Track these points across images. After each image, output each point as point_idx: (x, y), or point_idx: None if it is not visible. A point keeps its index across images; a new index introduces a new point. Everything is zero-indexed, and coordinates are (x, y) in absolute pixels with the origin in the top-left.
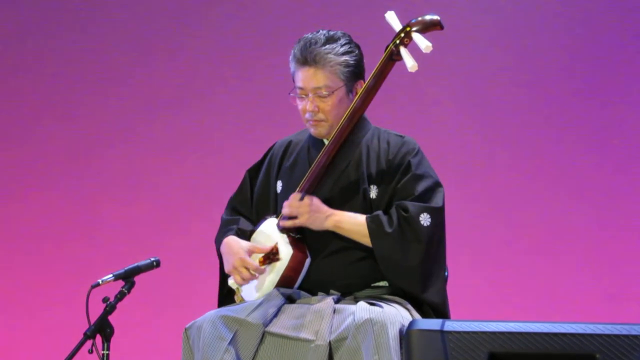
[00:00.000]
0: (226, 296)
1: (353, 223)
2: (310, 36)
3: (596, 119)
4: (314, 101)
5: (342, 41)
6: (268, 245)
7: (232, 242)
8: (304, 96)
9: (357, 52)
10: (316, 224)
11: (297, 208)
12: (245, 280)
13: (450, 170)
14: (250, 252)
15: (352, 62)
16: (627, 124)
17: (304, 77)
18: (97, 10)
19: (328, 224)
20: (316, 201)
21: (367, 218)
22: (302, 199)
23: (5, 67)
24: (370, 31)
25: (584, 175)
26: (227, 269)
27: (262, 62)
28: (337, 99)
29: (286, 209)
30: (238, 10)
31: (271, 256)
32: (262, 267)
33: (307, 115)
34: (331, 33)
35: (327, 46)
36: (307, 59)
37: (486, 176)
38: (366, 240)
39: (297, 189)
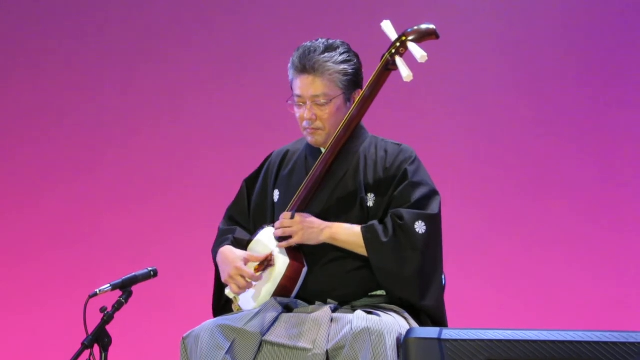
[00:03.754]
0: (223, 306)
1: (348, 234)
2: (309, 44)
3: (596, 122)
4: (311, 109)
5: (341, 50)
6: (264, 253)
7: (228, 251)
8: (302, 104)
9: (355, 61)
10: (312, 239)
11: (289, 228)
12: (242, 289)
13: (446, 176)
14: (246, 261)
15: (350, 70)
16: (628, 126)
17: (302, 84)
18: (95, 15)
19: (323, 237)
20: (308, 217)
21: (362, 228)
22: (292, 217)
23: (3, 72)
24: (367, 40)
25: (584, 180)
26: (223, 278)
27: (261, 71)
28: (335, 107)
29: (279, 231)
30: (237, 19)
31: (266, 263)
32: (258, 274)
33: (304, 123)
34: (330, 42)
35: (326, 54)
36: (306, 66)
37: (483, 182)
38: (362, 251)
39: (292, 200)
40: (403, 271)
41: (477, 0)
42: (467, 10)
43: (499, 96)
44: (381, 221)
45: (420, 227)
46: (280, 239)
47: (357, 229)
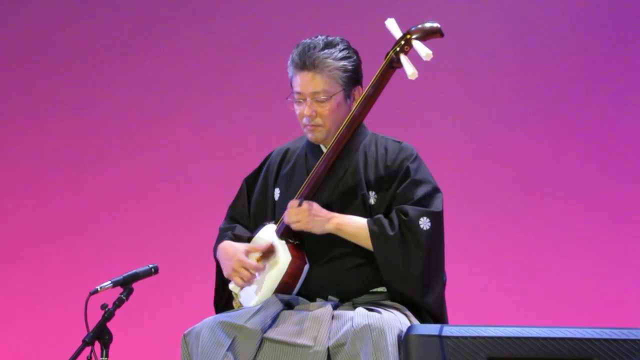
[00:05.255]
0: (225, 303)
1: (354, 226)
2: (308, 41)
3: (598, 121)
4: (311, 106)
5: (341, 46)
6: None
7: (228, 245)
8: (301, 101)
9: (355, 57)
10: (317, 227)
11: (296, 214)
12: (246, 281)
13: (446, 174)
14: (247, 253)
15: (350, 67)
16: (631, 124)
17: (302, 81)
18: (96, 12)
19: (329, 227)
20: (315, 205)
21: (368, 221)
22: (300, 205)
23: (3, 71)
24: (370, 38)
25: (586, 177)
26: (226, 273)
27: (260, 68)
28: (335, 104)
29: (287, 217)
30: (236, 16)
31: (268, 254)
32: (261, 264)
33: (304, 120)
34: (330, 38)
35: (326, 51)
36: (306, 63)
37: (484, 180)
38: (367, 243)
39: (296, 196)
40: (408, 269)
41: None
42: (471, 8)
43: (502, 95)
44: (385, 217)
45: (424, 223)
46: (283, 233)
47: (363, 221)
